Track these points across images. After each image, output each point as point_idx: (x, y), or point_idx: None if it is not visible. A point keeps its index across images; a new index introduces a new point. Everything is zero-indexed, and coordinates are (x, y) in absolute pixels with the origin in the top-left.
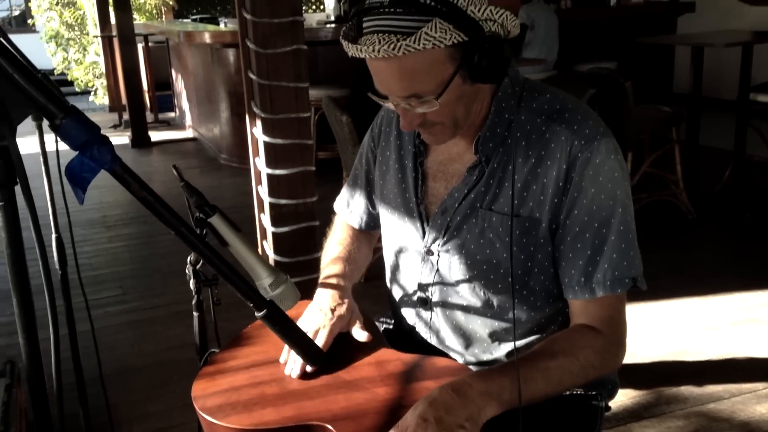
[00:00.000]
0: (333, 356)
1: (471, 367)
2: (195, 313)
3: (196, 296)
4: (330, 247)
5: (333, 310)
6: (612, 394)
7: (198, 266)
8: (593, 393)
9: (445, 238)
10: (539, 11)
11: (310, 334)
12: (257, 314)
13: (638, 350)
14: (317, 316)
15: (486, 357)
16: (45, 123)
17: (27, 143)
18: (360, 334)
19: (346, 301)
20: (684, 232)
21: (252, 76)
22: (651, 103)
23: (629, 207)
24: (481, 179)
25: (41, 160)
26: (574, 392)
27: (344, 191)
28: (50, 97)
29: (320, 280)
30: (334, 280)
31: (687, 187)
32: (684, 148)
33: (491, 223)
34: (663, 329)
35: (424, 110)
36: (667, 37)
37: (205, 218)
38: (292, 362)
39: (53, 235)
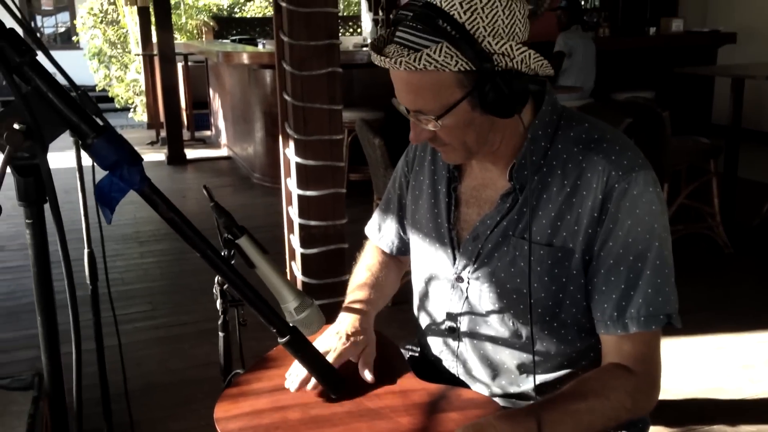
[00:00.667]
0: (357, 384)
1: (497, 399)
2: (221, 334)
3: (222, 316)
4: (358, 271)
5: (348, 336)
6: None
7: (225, 286)
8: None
9: (475, 266)
10: (577, 39)
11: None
12: (280, 340)
13: (671, 386)
14: (331, 339)
15: (513, 389)
16: None
17: (64, 158)
18: (365, 372)
19: (365, 329)
20: (720, 266)
21: (287, 97)
22: (689, 134)
23: (667, 241)
24: (514, 207)
25: (77, 175)
26: None
27: (376, 215)
28: (83, 117)
29: (344, 305)
30: (357, 306)
31: (724, 220)
32: (722, 180)
33: (523, 251)
34: (696, 365)
35: (429, 127)
36: (707, 68)
37: (233, 239)
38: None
39: (86, 250)
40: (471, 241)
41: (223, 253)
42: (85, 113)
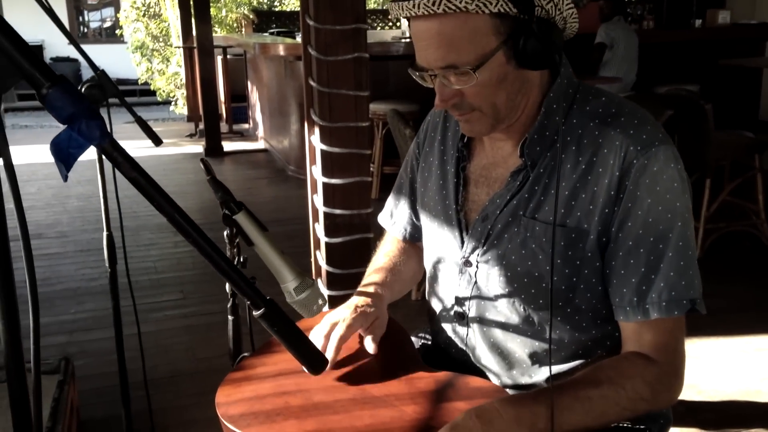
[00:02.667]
0: (362, 370)
1: (508, 390)
2: (230, 317)
3: (231, 299)
4: (376, 257)
5: (358, 307)
6: (663, 430)
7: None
8: (641, 427)
9: (484, 248)
10: (619, 30)
11: (327, 326)
12: (255, 314)
13: (708, 387)
14: (341, 311)
15: (524, 380)
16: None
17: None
18: (369, 344)
19: (376, 305)
20: (763, 265)
21: (312, 83)
22: (734, 129)
23: (689, 221)
24: (525, 185)
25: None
26: (619, 425)
27: (389, 202)
28: (38, 66)
29: (358, 288)
30: (371, 288)
31: None
32: (767, 177)
33: (534, 232)
34: (735, 366)
35: (461, 85)
36: (753, 59)
37: (230, 215)
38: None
39: (104, 233)
40: (480, 221)
41: (226, 233)
42: (40, 62)
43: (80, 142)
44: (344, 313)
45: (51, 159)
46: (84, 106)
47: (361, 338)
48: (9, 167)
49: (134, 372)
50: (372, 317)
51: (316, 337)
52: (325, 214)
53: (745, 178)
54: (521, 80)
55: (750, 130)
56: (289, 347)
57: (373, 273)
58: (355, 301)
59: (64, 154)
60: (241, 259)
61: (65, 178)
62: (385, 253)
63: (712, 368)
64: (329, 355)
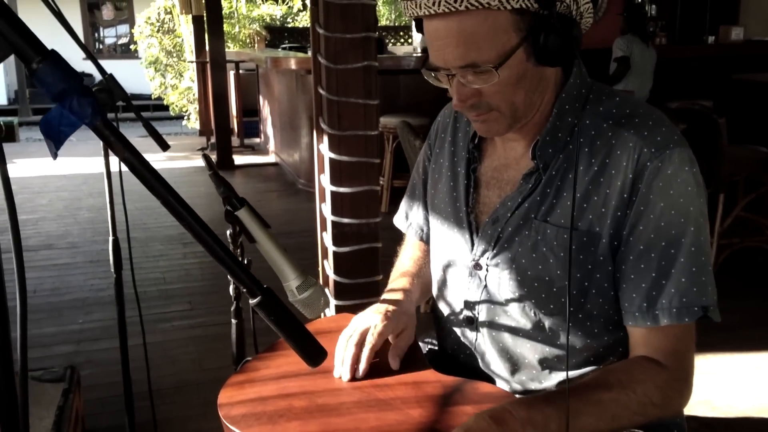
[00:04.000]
0: (368, 373)
1: (517, 396)
2: (233, 321)
3: (235, 302)
4: (400, 262)
5: (388, 313)
6: None
7: None
8: None
9: (494, 251)
10: (634, 44)
11: (358, 335)
12: (251, 302)
13: (722, 403)
14: (371, 317)
15: (534, 386)
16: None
17: (98, 162)
18: (394, 360)
19: (406, 310)
20: None
21: (321, 91)
22: (748, 144)
23: (704, 227)
24: (537, 188)
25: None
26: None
27: (403, 204)
28: (28, 39)
29: (384, 292)
30: (400, 294)
31: None
32: None
33: (545, 236)
34: (749, 383)
35: (481, 84)
36: (767, 74)
37: (232, 211)
38: (339, 365)
39: (110, 237)
40: (490, 224)
41: (228, 232)
42: (31, 35)
43: (72, 120)
44: (375, 319)
45: (63, 171)
46: (76, 82)
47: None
48: (5, 180)
49: (140, 382)
50: (402, 324)
51: (347, 344)
52: (333, 223)
53: (759, 194)
54: (539, 78)
55: (764, 145)
56: (286, 337)
57: (399, 277)
58: (385, 306)
59: (55, 132)
60: (245, 261)
61: (54, 156)
62: (410, 256)
63: (726, 384)
64: (362, 364)
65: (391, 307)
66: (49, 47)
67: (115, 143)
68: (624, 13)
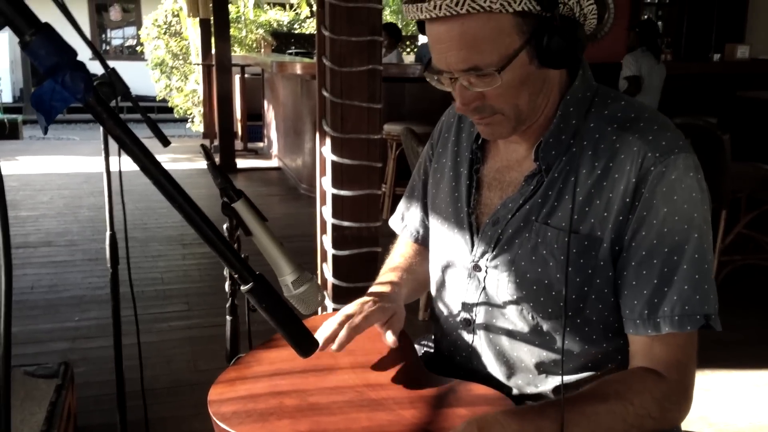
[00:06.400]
0: (360, 372)
1: (515, 401)
2: (228, 317)
3: (230, 299)
4: (390, 259)
5: (376, 302)
6: None
7: None
8: None
9: (494, 253)
10: (643, 60)
11: (342, 317)
12: (242, 288)
13: (718, 420)
14: (358, 304)
15: (530, 390)
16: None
17: (100, 161)
18: (390, 337)
19: (393, 300)
20: None
21: (325, 93)
22: (752, 161)
23: (707, 234)
24: (538, 189)
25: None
26: None
27: (401, 205)
28: (20, 10)
29: (373, 284)
30: (387, 286)
31: None
32: None
33: (546, 238)
34: (748, 400)
35: (484, 88)
36: None
37: (229, 203)
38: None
39: (107, 233)
40: (491, 225)
41: (225, 226)
42: (23, 6)
43: (64, 96)
44: (361, 307)
45: (65, 170)
46: (69, 56)
47: (371, 338)
48: None
49: (134, 381)
50: (390, 312)
51: (328, 325)
52: (334, 226)
53: (761, 211)
54: (542, 80)
55: (767, 163)
56: (277, 326)
57: (389, 272)
58: (372, 296)
59: (46, 107)
60: (243, 256)
61: (45, 131)
62: (401, 253)
63: (724, 401)
64: (339, 338)
65: (378, 297)
66: None
67: (107, 120)
68: (636, 29)
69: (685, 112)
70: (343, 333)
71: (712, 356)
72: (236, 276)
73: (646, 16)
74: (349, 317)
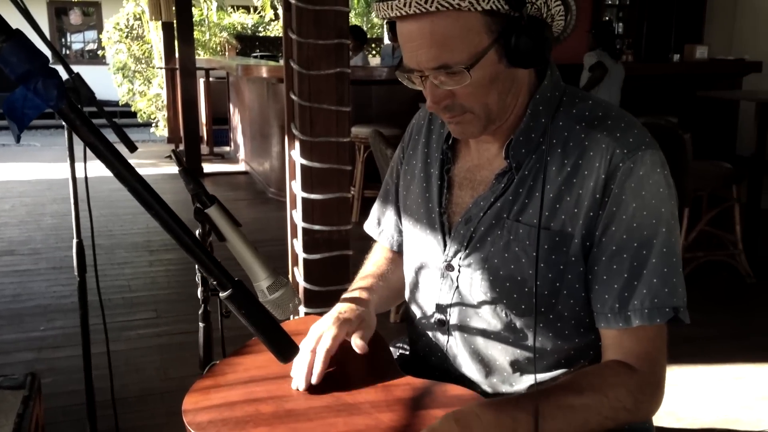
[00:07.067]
0: (337, 376)
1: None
2: (201, 324)
3: (203, 306)
4: (363, 268)
5: (341, 315)
6: None
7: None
8: None
9: (467, 251)
10: (606, 58)
11: (314, 341)
12: (221, 294)
13: (687, 415)
14: (325, 321)
15: (505, 388)
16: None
17: (63, 168)
18: (357, 342)
19: (359, 309)
20: (742, 295)
21: (293, 97)
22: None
23: (675, 228)
24: (509, 187)
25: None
26: None
27: (374, 209)
28: None
29: (343, 295)
30: (356, 294)
31: (746, 250)
32: (745, 210)
33: (518, 235)
34: (714, 395)
35: (454, 86)
36: (730, 92)
37: (202, 208)
38: (295, 374)
39: (74, 240)
40: (463, 224)
41: (197, 231)
42: None
43: (36, 103)
44: (328, 323)
45: (27, 177)
46: (41, 63)
47: (346, 343)
48: None
49: (104, 390)
50: (356, 323)
51: (303, 351)
52: (304, 230)
53: (723, 209)
54: (511, 80)
55: (727, 161)
56: (256, 332)
57: (360, 280)
58: (339, 308)
59: (18, 114)
60: None
61: (18, 139)
62: (373, 262)
63: (691, 396)
64: (316, 370)
65: (345, 309)
66: None
67: (81, 127)
68: (593, 30)
69: (646, 112)
70: (318, 361)
71: (679, 352)
72: (215, 282)
73: (607, 18)
74: (319, 339)
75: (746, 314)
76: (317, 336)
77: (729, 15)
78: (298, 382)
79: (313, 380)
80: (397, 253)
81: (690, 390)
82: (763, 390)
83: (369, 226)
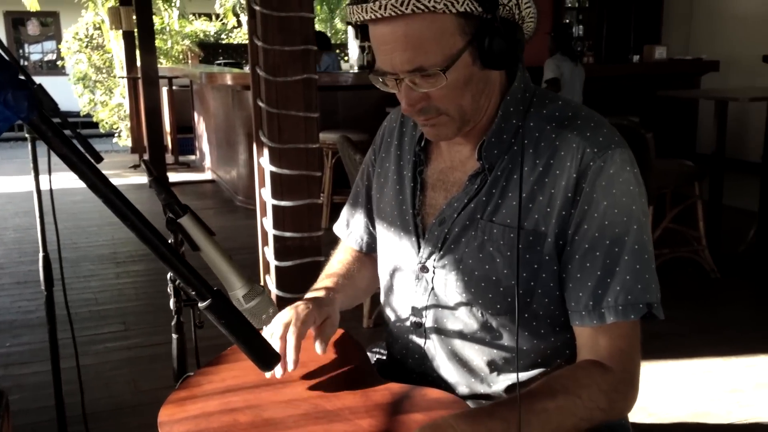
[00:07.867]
0: (314, 384)
1: (469, 403)
2: (174, 335)
3: (176, 317)
4: (329, 264)
5: (309, 303)
6: None
7: (178, 283)
8: None
9: (441, 252)
10: (566, 62)
11: (281, 328)
12: (200, 305)
13: (658, 409)
14: (290, 311)
15: (483, 389)
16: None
17: (24, 181)
18: (319, 346)
19: (327, 303)
20: (707, 291)
21: (261, 104)
22: (673, 158)
23: (646, 225)
24: (482, 188)
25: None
26: None
27: (344, 211)
28: None
29: (309, 291)
30: (322, 291)
31: (710, 246)
32: (707, 206)
33: (492, 235)
34: (684, 389)
35: (429, 88)
36: (689, 91)
37: (174, 218)
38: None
39: (40, 254)
40: (437, 225)
41: (170, 241)
42: None
43: (6, 115)
44: (293, 311)
45: None
46: (10, 74)
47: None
48: None
49: (73, 405)
50: (324, 314)
51: (271, 340)
52: (275, 237)
53: (686, 206)
54: (485, 81)
55: (688, 158)
56: (237, 342)
57: (325, 278)
58: (302, 304)
59: None
60: None
61: None
62: (339, 260)
63: (662, 391)
64: (290, 355)
65: (310, 301)
66: None
67: (53, 139)
68: (551, 33)
69: (608, 113)
70: (290, 346)
71: (648, 348)
72: (193, 293)
73: (567, 21)
74: (286, 327)
75: (712, 309)
76: (284, 322)
77: (686, 16)
78: (275, 370)
79: (290, 367)
80: (365, 254)
81: (660, 385)
82: (731, 383)
83: (338, 228)
